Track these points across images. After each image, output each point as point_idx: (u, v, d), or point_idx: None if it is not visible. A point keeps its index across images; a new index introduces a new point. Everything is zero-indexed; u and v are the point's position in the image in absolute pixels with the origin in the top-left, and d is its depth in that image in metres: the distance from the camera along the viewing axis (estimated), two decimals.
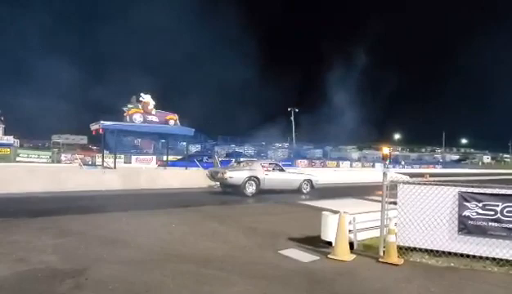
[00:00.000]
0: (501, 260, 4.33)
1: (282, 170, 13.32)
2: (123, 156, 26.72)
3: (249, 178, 11.85)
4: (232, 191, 12.07)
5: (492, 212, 4.38)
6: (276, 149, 44.96)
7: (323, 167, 38.57)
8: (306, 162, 39.47)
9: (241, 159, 22.26)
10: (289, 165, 30.58)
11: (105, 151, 19.49)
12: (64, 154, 28.33)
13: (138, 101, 15.10)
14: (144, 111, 15.09)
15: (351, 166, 43.83)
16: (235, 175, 11.78)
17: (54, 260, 4.23)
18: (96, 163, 22.55)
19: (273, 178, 12.39)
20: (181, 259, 4.49)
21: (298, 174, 14.21)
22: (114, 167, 15.00)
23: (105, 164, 17.02)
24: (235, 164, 16.19)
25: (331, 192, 13.69)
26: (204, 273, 3.98)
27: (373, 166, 45.63)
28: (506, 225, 4.30)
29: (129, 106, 14.94)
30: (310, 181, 13.52)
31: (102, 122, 14.20)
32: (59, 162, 26.31)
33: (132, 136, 25.11)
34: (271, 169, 12.71)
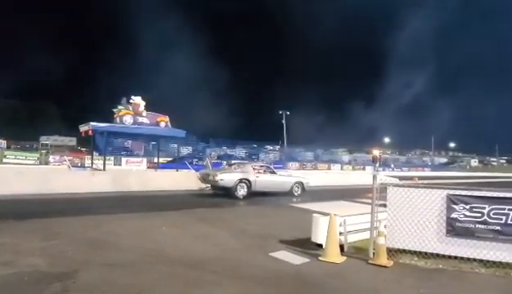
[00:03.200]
0: (488, 261, 4.41)
1: (273, 172, 13.33)
2: (112, 158, 26.48)
3: (241, 180, 11.83)
4: (223, 193, 12.03)
5: (479, 214, 4.46)
6: (267, 152, 45.05)
7: (314, 169, 38.80)
8: (297, 164, 39.66)
9: (233, 161, 22.22)
10: (281, 167, 30.65)
11: (94, 153, 19.27)
12: (52, 156, 27.91)
13: (128, 103, 14.98)
14: (134, 112, 14.98)
15: (342, 168, 44.22)
16: (227, 178, 11.75)
17: (41, 263, 4.15)
18: (86, 165, 22.26)
19: (264, 180, 12.39)
20: (172, 261, 4.46)
21: (289, 176, 14.25)
22: (104, 169, 14.81)
23: (94, 166, 16.81)
24: (226, 166, 16.15)
25: (322, 194, 13.75)
26: (195, 276, 3.96)
27: (363, 168, 46.07)
28: (493, 227, 4.39)
29: (119, 108, 14.81)
30: (301, 184, 13.57)
31: (92, 123, 14.04)
32: (47, 163, 25.90)
33: (123, 138, 24.90)
34: (262, 171, 12.71)
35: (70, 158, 26.16)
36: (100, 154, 20.01)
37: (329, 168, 41.83)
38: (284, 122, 47.17)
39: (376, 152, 49.37)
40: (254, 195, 11.99)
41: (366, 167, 46.31)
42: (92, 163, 17.35)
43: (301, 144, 50.62)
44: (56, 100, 58.74)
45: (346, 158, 53.66)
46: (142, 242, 5.45)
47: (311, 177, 15.42)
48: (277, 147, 49.73)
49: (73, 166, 21.30)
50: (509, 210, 4.34)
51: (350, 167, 46.60)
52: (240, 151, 40.58)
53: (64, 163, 23.87)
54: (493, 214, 4.40)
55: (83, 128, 14.77)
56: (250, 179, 12.00)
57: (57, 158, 27.28)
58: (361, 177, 21.54)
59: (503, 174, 50.36)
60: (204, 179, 12.60)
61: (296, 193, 13.23)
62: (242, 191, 11.83)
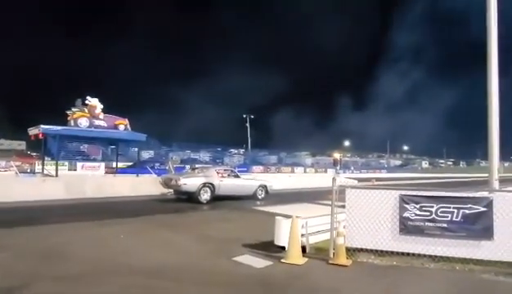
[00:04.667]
0: (436, 256, 4.73)
1: (237, 176, 13.33)
2: (67, 163, 24.94)
3: (204, 185, 11.69)
4: (186, 198, 11.82)
5: (428, 213, 4.78)
6: (231, 155, 44.85)
7: (278, 172, 39.29)
8: (261, 168, 39.90)
9: (196, 165, 21.89)
10: (245, 171, 30.70)
11: (46, 158, 18.06)
12: None
13: (84, 104, 14.26)
14: (90, 115, 14.29)
15: (305, 171, 45.17)
16: (190, 182, 11.55)
17: None
18: (36, 171, 20.80)
19: (228, 184, 12.35)
20: (130, 271, 4.28)
21: (253, 180, 14.31)
22: (56, 175, 13.94)
23: (46, 172, 15.76)
24: (189, 171, 15.88)
25: (286, 197, 13.96)
26: (156, 285, 3.84)
27: (325, 171, 47.44)
28: (440, 225, 4.72)
29: (74, 110, 14.06)
30: (265, 187, 13.68)
31: (42, 126, 13.18)
32: None
33: (78, 142, 23.58)
34: (226, 175, 12.66)
35: (18, 163, 24.37)
36: (52, 159, 18.81)
37: (292, 171, 42.55)
38: (248, 125, 47.46)
39: (337, 155, 51.26)
40: (218, 199, 11.90)
41: (328, 170, 47.75)
42: (42, 169, 16.26)
43: (265, 148, 51.17)
44: (4, 101, 54.50)
45: (309, 161, 54.76)
46: (98, 252, 5.19)
47: (275, 180, 15.63)
48: (242, 150, 49.78)
49: (21, 172, 19.87)
50: (454, 208, 4.70)
51: (313, 170, 47.73)
52: (204, 155, 39.93)
53: (11, 169, 22.14)
54: (440, 212, 4.74)
55: (32, 131, 13.81)
56: (214, 183, 11.90)
57: (3, 163, 25.29)
58: (324, 179, 22.13)
59: (450, 174, 54.71)
60: (166, 183, 12.29)
61: (260, 197, 13.31)
62: (206, 195, 11.69)
